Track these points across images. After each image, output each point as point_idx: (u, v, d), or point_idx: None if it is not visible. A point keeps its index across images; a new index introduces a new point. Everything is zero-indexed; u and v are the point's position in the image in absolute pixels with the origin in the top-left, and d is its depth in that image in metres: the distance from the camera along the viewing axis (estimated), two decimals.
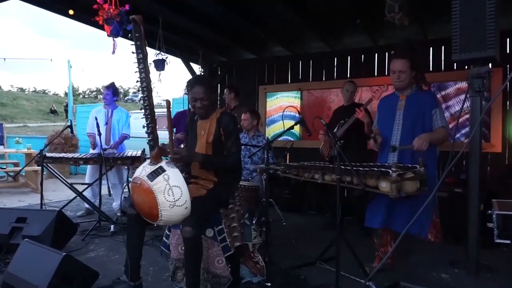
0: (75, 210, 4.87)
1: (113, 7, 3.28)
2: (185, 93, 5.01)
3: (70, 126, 4.19)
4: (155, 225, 2.63)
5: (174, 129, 4.62)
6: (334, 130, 3.84)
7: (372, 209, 2.77)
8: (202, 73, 6.33)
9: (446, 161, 2.31)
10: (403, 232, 1.25)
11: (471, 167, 1.51)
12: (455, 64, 4.59)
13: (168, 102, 2.23)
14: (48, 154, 4.07)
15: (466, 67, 4.31)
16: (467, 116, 4.43)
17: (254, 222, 2.74)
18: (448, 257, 2.38)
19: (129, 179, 5.07)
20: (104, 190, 4.21)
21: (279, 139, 3.49)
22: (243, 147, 3.90)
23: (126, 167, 4.62)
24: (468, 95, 1.39)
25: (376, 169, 2.34)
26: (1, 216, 3.11)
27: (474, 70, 1.26)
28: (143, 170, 2.14)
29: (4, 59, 12.57)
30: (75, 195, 4.27)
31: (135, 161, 4.04)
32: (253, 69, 6.12)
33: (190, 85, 2.43)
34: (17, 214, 3.11)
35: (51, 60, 13.71)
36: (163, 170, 2.08)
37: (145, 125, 2.19)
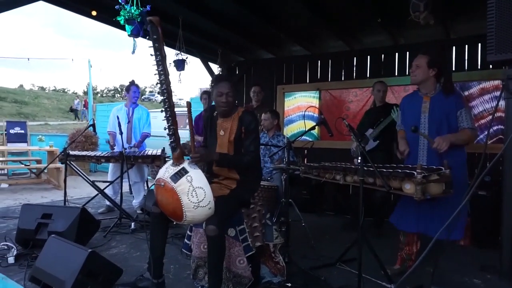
0: (96, 207, 4.96)
1: (135, 8, 3.32)
2: (203, 92, 5.03)
3: (93, 125, 4.26)
4: (174, 223, 2.65)
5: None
6: (370, 131, 3.82)
7: (403, 212, 2.73)
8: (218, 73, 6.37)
9: (473, 163, 2.27)
10: (433, 240, 1.23)
11: (507, 170, 1.47)
12: (479, 63, 4.51)
13: (189, 103, 2.24)
14: (71, 152, 4.15)
15: (491, 66, 4.27)
16: (490, 117, 4.34)
17: (274, 222, 2.74)
18: (478, 262, 2.32)
19: (149, 177, 5.15)
20: (125, 188, 4.27)
21: (298, 139, 3.48)
22: (263, 146, 3.91)
23: (147, 165, 4.67)
24: (503, 96, 1.35)
25: (400, 170, 2.30)
26: (28, 212, 3.20)
27: (511, 71, 1.22)
28: (166, 171, 2.16)
29: (28, 59, 12.95)
30: (95, 192, 4.35)
31: (155, 159, 4.09)
32: (271, 69, 6.11)
33: (217, 80, 2.45)
34: (42, 210, 3.19)
35: (72, 60, 14.07)
36: (186, 172, 2.10)
37: (167, 127, 2.20)
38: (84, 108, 26.97)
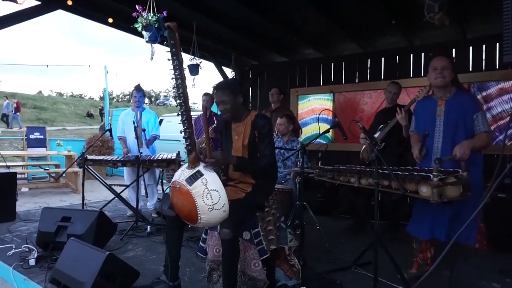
0: (113, 210, 5.05)
1: (152, 14, 3.38)
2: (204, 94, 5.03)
3: (110, 130, 4.33)
4: (190, 225, 2.69)
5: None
6: (377, 134, 3.74)
7: (418, 217, 2.69)
8: (231, 77, 6.41)
9: (491, 165, 2.23)
10: (451, 243, 1.21)
11: None
12: (497, 63, 4.42)
13: (205, 108, 2.27)
14: (88, 157, 4.23)
15: (510, 67, 4.18)
16: (509, 118, 4.24)
17: (288, 225, 2.74)
18: (497, 265, 2.26)
19: (164, 180, 5.21)
20: (141, 191, 4.33)
21: (312, 142, 3.47)
22: (277, 151, 3.91)
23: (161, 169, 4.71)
24: None
25: (416, 173, 2.27)
26: (48, 215, 3.28)
27: None
28: (182, 174, 2.19)
29: (47, 65, 13.33)
30: (112, 195, 4.42)
31: (170, 163, 4.13)
32: (285, 72, 6.13)
33: (213, 89, 2.50)
34: (62, 214, 3.26)
35: (89, 66, 14.42)
36: (201, 174, 2.12)
37: (182, 130, 2.23)
38: (18, 113, 20.94)
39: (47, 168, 7.89)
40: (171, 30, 2.14)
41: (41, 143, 8.41)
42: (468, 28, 4.45)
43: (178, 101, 2.23)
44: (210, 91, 4.34)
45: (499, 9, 1.35)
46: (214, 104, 2.82)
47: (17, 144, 14.04)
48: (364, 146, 3.96)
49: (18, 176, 5.91)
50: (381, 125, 3.66)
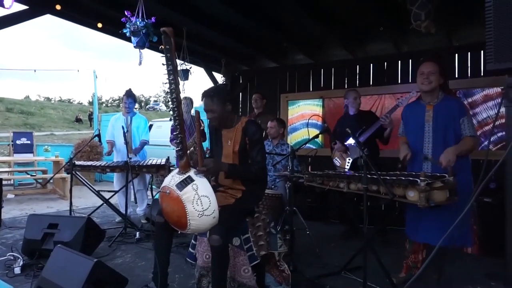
0: (101, 217, 4.99)
1: (140, 20, 3.38)
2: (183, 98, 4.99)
3: (99, 135, 4.29)
4: (179, 232, 2.68)
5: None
6: (350, 140, 3.77)
7: (413, 220, 2.71)
8: (222, 83, 6.42)
9: (479, 170, 2.27)
10: (436, 248, 1.23)
11: (509, 177, 1.48)
12: (482, 70, 4.52)
13: (197, 113, 2.27)
14: (77, 162, 4.18)
15: (494, 74, 4.27)
16: (494, 123, 4.33)
17: (278, 230, 2.74)
18: (483, 269, 2.29)
19: (154, 186, 5.17)
20: (131, 197, 4.28)
21: (302, 147, 3.49)
22: (266, 155, 3.92)
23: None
24: (503, 103, 1.36)
25: (403, 178, 2.30)
26: (34, 222, 3.22)
27: (511, 80, 1.24)
28: (172, 179, 2.18)
29: (35, 70, 13.14)
30: (100, 202, 4.37)
31: (160, 169, 4.11)
32: (275, 77, 6.16)
33: (202, 97, 2.47)
34: (48, 220, 3.21)
35: (78, 70, 14.28)
36: (192, 180, 2.11)
37: (174, 135, 2.22)
38: None
39: (34, 174, 7.75)
40: (166, 35, 2.14)
41: (28, 148, 8.25)
42: (454, 36, 4.55)
43: (171, 105, 2.23)
44: (201, 96, 4.32)
45: (483, 17, 1.39)
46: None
47: (3, 150, 13.78)
48: (337, 152, 3.95)
49: (4, 182, 5.79)
50: (360, 130, 3.66)
